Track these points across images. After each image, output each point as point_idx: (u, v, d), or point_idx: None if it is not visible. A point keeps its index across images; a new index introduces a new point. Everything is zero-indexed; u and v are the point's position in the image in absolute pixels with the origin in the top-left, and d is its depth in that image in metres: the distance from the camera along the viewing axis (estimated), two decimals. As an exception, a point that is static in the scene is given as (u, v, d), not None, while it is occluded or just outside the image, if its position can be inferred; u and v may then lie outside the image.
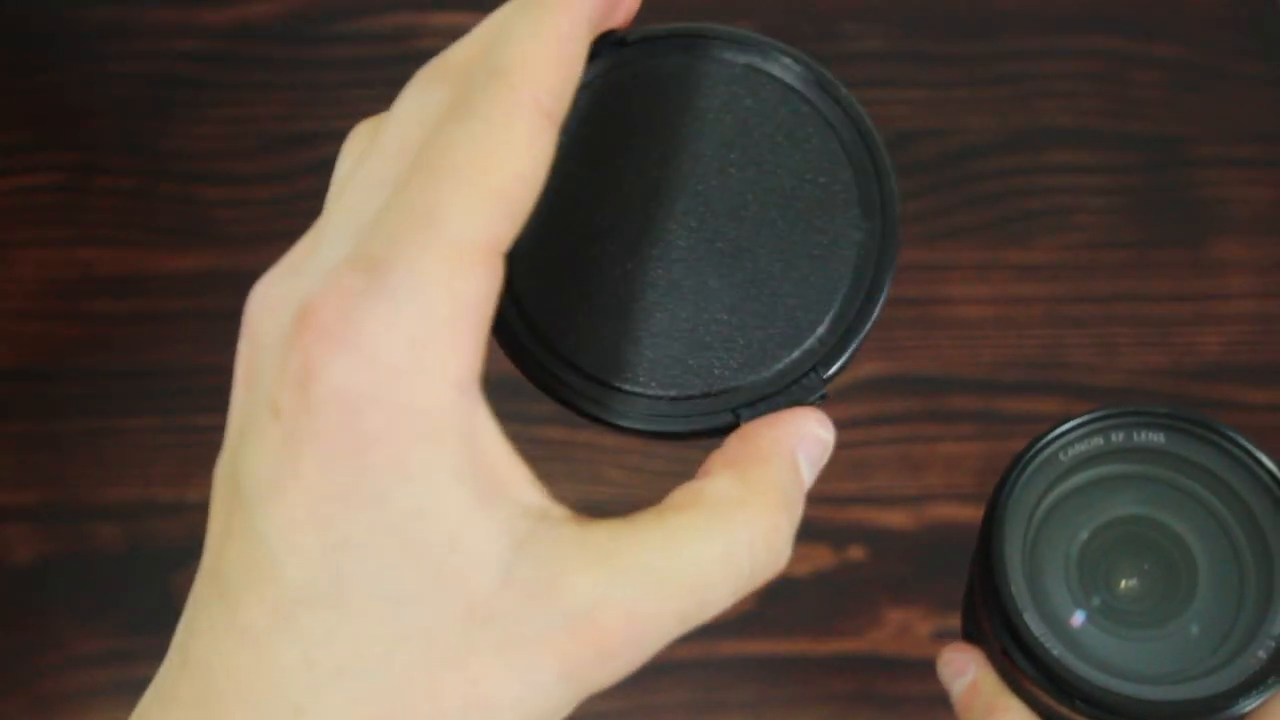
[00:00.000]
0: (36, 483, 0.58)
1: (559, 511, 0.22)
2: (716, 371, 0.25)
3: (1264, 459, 0.33)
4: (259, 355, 0.22)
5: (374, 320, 0.20)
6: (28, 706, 0.55)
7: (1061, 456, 0.33)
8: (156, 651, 0.63)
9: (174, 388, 0.59)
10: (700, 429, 0.25)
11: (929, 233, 0.61)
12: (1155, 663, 0.32)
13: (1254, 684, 0.31)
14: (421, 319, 0.20)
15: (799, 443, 0.24)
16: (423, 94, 0.23)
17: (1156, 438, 0.33)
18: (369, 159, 0.22)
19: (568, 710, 0.21)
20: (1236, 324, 0.61)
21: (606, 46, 0.26)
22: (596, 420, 0.25)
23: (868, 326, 0.25)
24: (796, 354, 0.25)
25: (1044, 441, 0.33)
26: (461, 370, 0.20)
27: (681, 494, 0.23)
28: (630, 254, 0.25)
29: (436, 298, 0.20)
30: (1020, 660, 0.32)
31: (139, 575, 0.56)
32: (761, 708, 0.55)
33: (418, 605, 0.20)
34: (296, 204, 0.61)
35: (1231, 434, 0.33)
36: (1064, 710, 0.31)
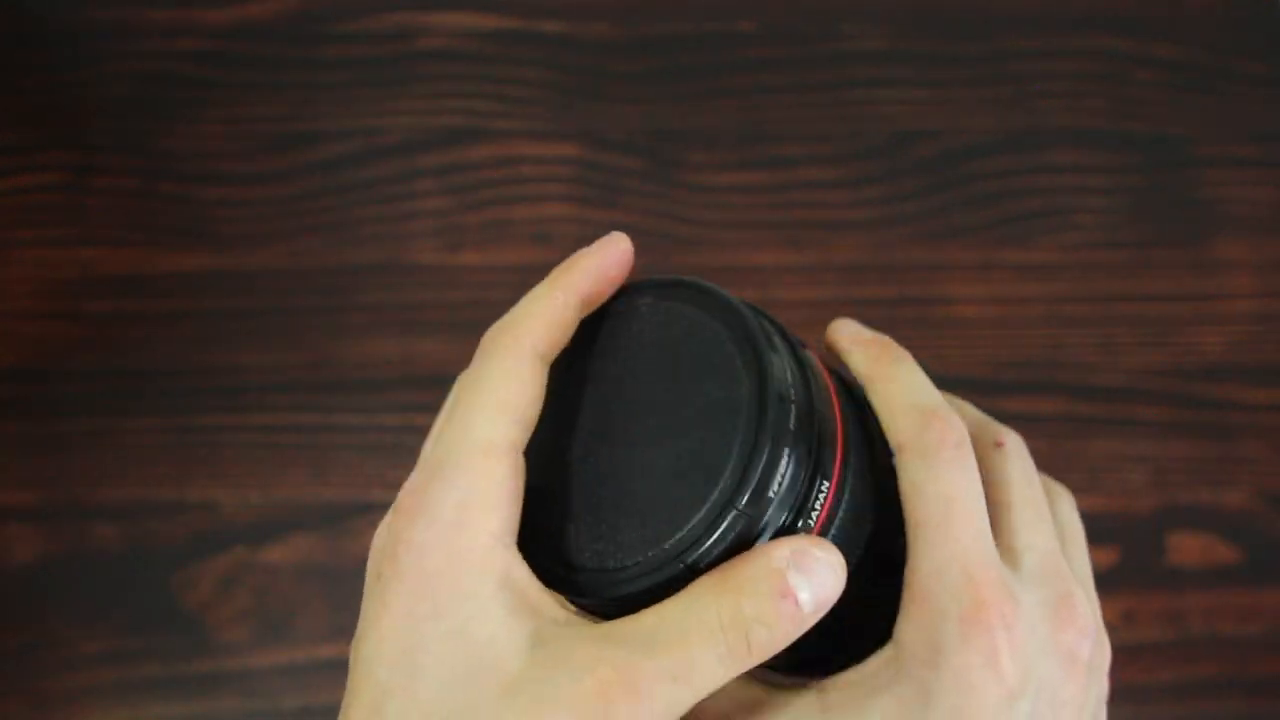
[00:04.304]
0: (36, 483, 0.58)
1: (582, 621, 0.28)
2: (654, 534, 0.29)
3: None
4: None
5: (433, 495, 0.28)
6: (28, 706, 0.55)
7: None
8: (156, 651, 0.63)
9: (174, 388, 0.59)
10: (656, 583, 0.28)
11: (929, 233, 0.61)
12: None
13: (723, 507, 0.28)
14: (465, 491, 0.28)
15: (775, 548, 0.29)
16: None
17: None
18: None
19: None
20: (1236, 324, 0.61)
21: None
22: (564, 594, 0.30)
23: (763, 458, 0.28)
24: (715, 495, 0.28)
25: None
26: (497, 526, 0.29)
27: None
28: (584, 451, 0.31)
29: (474, 477, 0.29)
30: None
31: (139, 575, 0.56)
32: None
33: (466, 686, 0.27)
34: (296, 204, 0.61)
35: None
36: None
